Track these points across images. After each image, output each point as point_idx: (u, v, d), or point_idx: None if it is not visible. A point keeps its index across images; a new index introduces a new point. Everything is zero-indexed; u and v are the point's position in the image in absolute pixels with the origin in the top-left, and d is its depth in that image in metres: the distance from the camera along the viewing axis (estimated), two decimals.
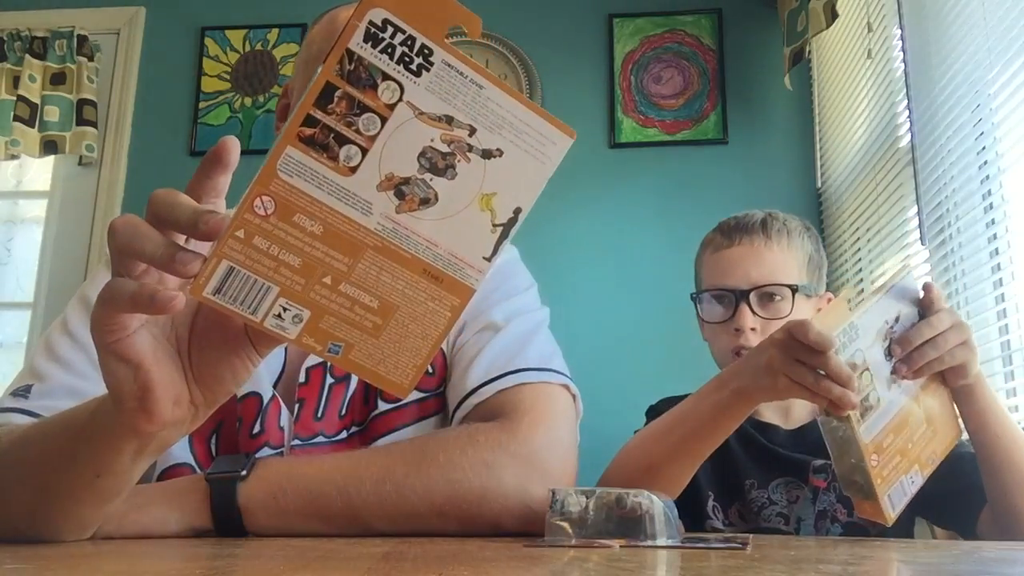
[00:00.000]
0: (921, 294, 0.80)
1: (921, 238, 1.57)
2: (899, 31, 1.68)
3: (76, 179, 2.50)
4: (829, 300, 1.13)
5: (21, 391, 0.70)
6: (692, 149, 2.32)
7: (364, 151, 0.41)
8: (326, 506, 0.62)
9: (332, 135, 0.41)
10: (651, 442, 0.92)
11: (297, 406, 0.73)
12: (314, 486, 0.62)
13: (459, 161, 0.42)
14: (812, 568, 0.42)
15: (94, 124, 2.47)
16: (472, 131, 0.42)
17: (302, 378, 0.73)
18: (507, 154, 0.43)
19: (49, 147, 2.46)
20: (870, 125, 1.87)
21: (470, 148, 0.42)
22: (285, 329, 0.43)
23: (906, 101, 1.64)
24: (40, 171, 2.59)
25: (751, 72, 2.35)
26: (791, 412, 1.11)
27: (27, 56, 2.49)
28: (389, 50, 0.40)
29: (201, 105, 2.48)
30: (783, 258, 1.08)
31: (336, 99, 0.40)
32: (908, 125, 1.63)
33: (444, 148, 0.42)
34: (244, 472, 0.62)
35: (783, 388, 0.76)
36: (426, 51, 0.41)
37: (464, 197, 0.43)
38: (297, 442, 0.72)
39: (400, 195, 0.42)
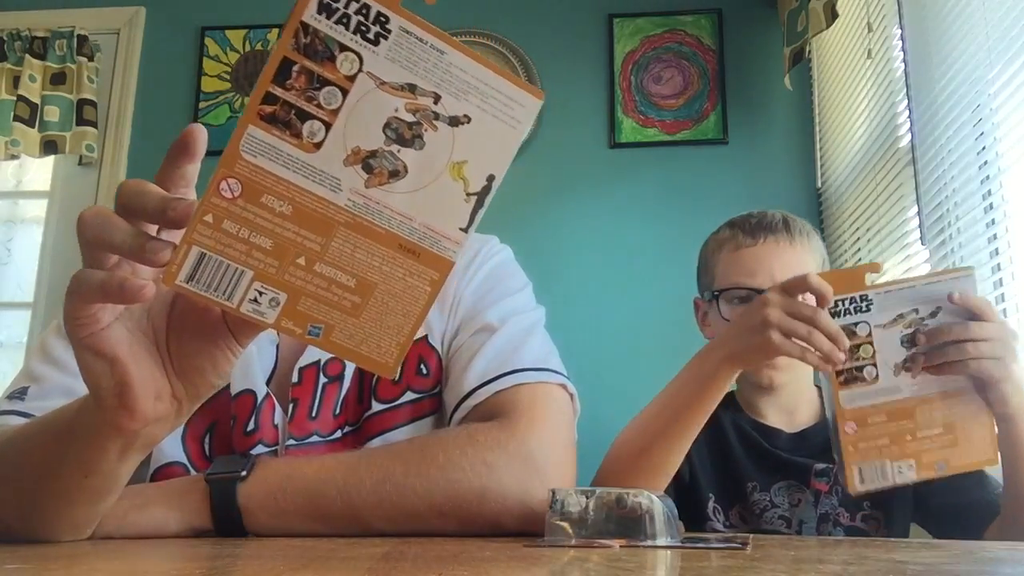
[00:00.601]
0: (978, 307, 0.77)
1: (921, 238, 1.57)
2: (899, 31, 1.68)
3: (76, 179, 2.50)
4: None
5: (17, 394, 0.70)
6: (692, 149, 2.32)
7: (327, 126, 0.40)
8: (326, 506, 0.62)
9: (293, 111, 0.40)
10: (641, 425, 0.94)
11: (291, 406, 0.72)
12: (314, 486, 0.62)
13: (426, 130, 0.41)
14: (812, 568, 0.42)
15: (94, 124, 2.46)
16: (437, 98, 0.41)
17: (295, 378, 0.73)
18: (475, 120, 0.41)
19: (49, 147, 2.46)
20: (870, 125, 1.87)
21: (436, 116, 0.41)
22: (263, 314, 0.42)
23: (906, 101, 1.64)
24: (40, 171, 2.58)
25: (751, 72, 2.35)
26: (794, 415, 1.11)
27: (27, 56, 2.49)
28: (344, 20, 0.39)
29: (201, 105, 2.48)
30: (805, 259, 1.08)
31: (294, 74, 0.39)
32: (908, 125, 1.62)
33: (409, 118, 0.41)
34: (244, 472, 0.62)
35: (777, 343, 0.78)
36: (382, 19, 0.39)
37: (434, 167, 0.42)
38: (292, 442, 0.72)
39: (368, 169, 0.41)
